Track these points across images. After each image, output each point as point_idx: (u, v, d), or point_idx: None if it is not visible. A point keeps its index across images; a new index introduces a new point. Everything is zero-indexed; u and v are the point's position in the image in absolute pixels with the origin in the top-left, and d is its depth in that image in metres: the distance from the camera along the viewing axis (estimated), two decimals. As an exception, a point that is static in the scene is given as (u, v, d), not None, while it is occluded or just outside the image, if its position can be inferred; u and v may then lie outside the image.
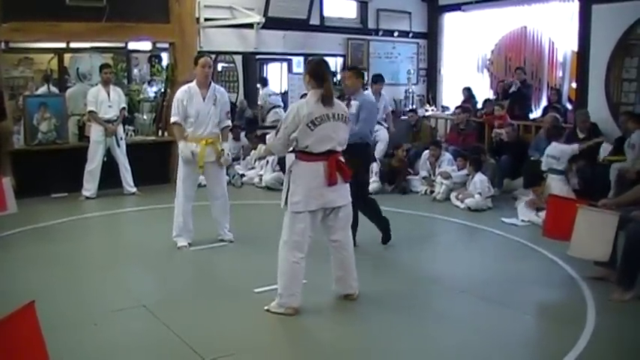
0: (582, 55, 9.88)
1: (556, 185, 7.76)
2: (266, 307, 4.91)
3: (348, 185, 4.98)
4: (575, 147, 8.30)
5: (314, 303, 5.13)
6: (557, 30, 11.94)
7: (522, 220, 7.89)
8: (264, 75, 13.37)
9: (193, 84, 6.49)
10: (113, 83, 9.44)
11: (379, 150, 10.03)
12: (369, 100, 6.73)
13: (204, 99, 6.43)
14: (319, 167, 4.75)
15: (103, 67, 9.29)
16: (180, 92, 6.52)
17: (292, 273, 4.88)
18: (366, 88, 9.36)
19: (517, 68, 12.03)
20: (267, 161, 10.10)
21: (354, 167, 5.22)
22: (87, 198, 9.03)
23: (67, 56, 10.43)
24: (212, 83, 6.58)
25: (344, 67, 12.13)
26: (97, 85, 9.26)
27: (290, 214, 4.82)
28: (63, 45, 10.09)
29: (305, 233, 4.83)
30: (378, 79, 10.18)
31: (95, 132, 9.09)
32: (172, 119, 6.53)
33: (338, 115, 4.82)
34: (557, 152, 8.17)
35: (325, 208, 4.88)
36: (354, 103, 6.41)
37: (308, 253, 4.99)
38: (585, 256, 5.58)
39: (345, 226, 5.08)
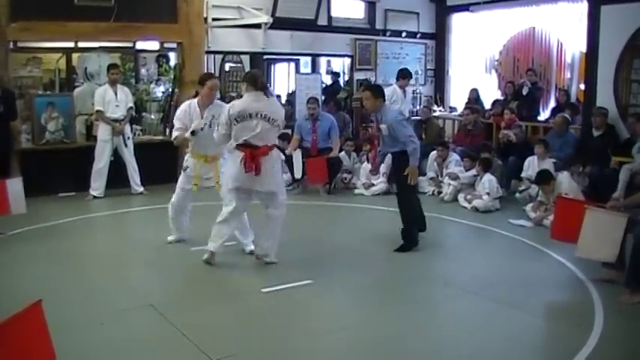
0: (591, 56, 9.83)
1: (565, 183, 7.72)
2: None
3: (273, 177, 5.88)
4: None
5: (321, 304, 5.14)
6: (565, 31, 11.90)
7: (530, 219, 7.92)
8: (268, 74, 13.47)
9: (194, 101, 6.46)
10: (121, 83, 9.46)
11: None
12: (394, 117, 6.71)
13: (202, 118, 6.37)
14: (240, 156, 5.73)
15: (110, 67, 9.31)
16: (181, 110, 6.54)
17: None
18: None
19: (528, 70, 11.98)
20: None
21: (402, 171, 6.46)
22: (94, 197, 9.05)
23: (75, 56, 10.44)
24: (214, 100, 6.53)
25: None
26: (104, 84, 9.28)
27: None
28: (71, 45, 10.11)
29: (233, 201, 5.96)
30: (404, 74, 10.54)
31: (102, 131, 9.11)
32: (174, 134, 6.51)
33: (263, 114, 5.66)
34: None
35: (245, 188, 5.90)
36: (382, 127, 6.67)
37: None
38: (592, 256, 5.56)
39: (273, 204, 6.00)
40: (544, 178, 7.89)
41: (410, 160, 6.47)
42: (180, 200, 6.68)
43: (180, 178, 6.68)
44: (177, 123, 6.46)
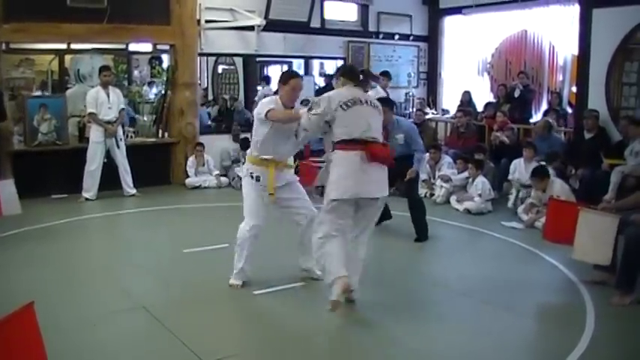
0: (582, 59, 9.87)
1: (558, 186, 7.74)
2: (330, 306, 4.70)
3: (385, 179, 4.91)
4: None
5: (315, 305, 5.13)
6: (557, 34, 11.94)
7: (521, 221, 7.98)
8: (267, 74, 13.52)
9: (277, 97, 5.46)
10: (113, 85, 9.45)
11: None
12: (411, 126, 7.51)
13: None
14: (352, 154, 4.71)
15: (102, 69, 9.29)
16: (270, 100, 5.49)
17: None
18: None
19: (520, 72, 12.02)
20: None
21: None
22: (87, 199, 9.04)
23: (67, 57, 10.42)
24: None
25: None
26: (96, 86, 9.26)
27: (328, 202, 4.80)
28: (64, 46, 10.09)
29: (341, 220, 4.81)
30: (385, 74, 11.25)
31: (95, 133, 9.10)
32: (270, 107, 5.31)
33: (369, 101, 4.92)
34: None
35: (359, 198, 4.80)
36: (399, 136, 7.12)
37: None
38: (588, 259, 5.59)
39: (367, 228, 5.03)
40: (539, 173, 7.91)
41: (415, 164, 7.16)
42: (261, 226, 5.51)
43: (252, 198, 5.53)
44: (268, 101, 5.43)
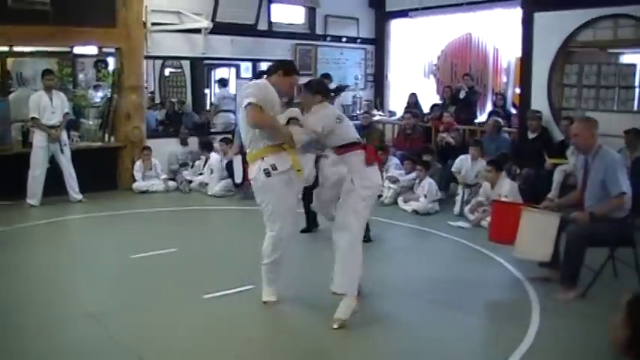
0: (525, 61, 10.08)
1: (507, 187, 7.86)
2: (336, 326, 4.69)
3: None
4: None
5: (265, 308, 5.14)
6: (501, 37, 12.18)
7: (468, 221, 8.13)
8: (223, 77, 13.49)
9: (266, 81, 5.14)
10: (58, 88, 9.28)
11: None
12: None
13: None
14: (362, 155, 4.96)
15: (45, 73, 9.08)
16: (258, 87, 5.04)
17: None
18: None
19: (465, 75, 12.22)
20: (212, 170, 10.07)
21: None
22: (31, 206, 8.85)
23: (9, 60, 10.19)
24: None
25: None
26: (39, 90, 9.08)
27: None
28: (5, 49, 9.87)
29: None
30: (327, 77, 11.03)
31: (38, 138, 8.92)
32: (251, 100, 4.85)
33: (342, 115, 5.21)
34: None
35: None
36: None
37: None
38: (529, 256, 5.72)
39: None
40: (495, 164, 8.03)
41: None
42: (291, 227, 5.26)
43: (276, 200, 5.01)
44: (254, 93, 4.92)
